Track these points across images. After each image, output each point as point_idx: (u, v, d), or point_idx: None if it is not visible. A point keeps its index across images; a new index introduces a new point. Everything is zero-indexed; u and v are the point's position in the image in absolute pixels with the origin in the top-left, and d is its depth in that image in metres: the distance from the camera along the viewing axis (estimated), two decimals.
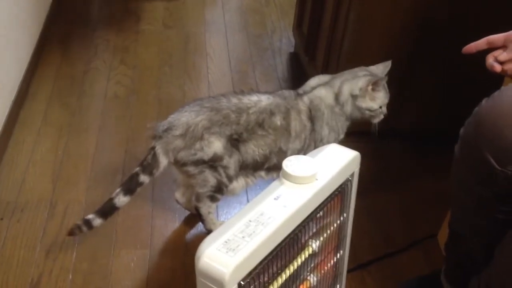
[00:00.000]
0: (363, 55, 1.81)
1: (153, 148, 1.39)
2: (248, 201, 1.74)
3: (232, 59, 2.41)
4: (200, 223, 1.59)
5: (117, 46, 2.39)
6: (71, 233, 1.42)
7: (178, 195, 1.62)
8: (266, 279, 0.91)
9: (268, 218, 0.90)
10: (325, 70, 1.95)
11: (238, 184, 1.49)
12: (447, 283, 1.33)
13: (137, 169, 1.40)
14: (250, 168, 1.47)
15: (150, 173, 1.39)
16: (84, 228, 1.41)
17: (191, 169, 1.40)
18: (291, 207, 0.93)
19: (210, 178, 1.43)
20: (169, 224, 1.62)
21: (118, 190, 1.40)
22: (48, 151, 1.83)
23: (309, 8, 2.21)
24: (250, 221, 0.90)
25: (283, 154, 1.45)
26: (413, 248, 1.58)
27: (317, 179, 0.97)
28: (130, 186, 1.40)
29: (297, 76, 2.34)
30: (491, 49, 1.07)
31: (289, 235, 0.93)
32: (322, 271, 1.10)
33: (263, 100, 1.43)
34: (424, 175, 1.87)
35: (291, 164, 0.98)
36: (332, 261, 1.13)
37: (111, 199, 1.40)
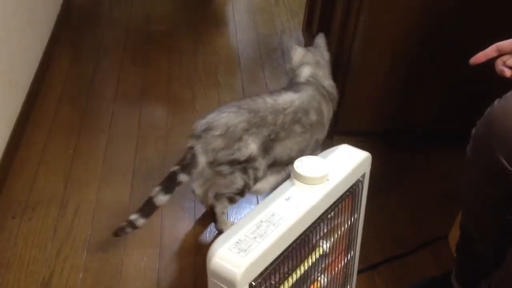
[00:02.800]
0: (373, 55, 1.81)
1: (191, 147, 1.40)
2: (258, 201, 1.74)
3: (241, 59, 2.41)
4: (211, 223, 1.60)
5: (127, 47, 2.39)
6: (116, 234, 1.41)
7: (196, 185, 1.60)
8: (277, 279, 0.91)
9: (279, 218, 0.90)
10: (334, 70, 1.95)
11: (266, 182, 1.51)
12: (457, 285, 1.32)
13: (176, 168, 1.39)
14: (284, 164, 1.50)
15: (189, 173, 1.39)
16: (129, 229, 1.40)
17: (225, 168, 1.42)
18: (302, 207, 0.93)
19: (238, 180, 1.44)
20: (179, 224, 1.63)
21: (157, 189, 1.39)
22: (59, 151, 1.84)
23: (318, 8, 2.21)
24: (261, 221, 0.90)
25: (317, 143, 1.55)
26: (423, 249, 1.57)
27: (328, 180, 0.97)
28: (169, 185, 1.40)
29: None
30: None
31: (300, 235, 0.93)
32: (333, 272, 1.10)
33: (296, 99, 1.49)
34: (434, 175, 1.86)
35: (302, 164, 0.98)
36: (342, 262, 1.13)
37: (150, 198, 1.39)
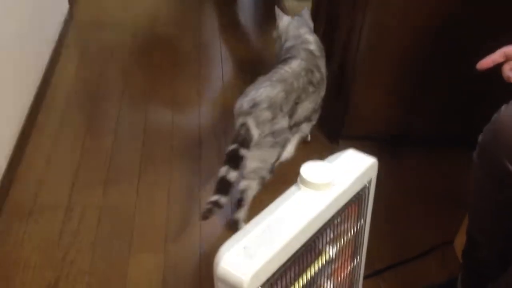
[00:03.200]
0: (378, 60, 1.81)
1: (243, 124, 1.48)
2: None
3: (244, 63, 2.42)
4: (217, 227, 1.60)
5: (133, 50, 2.40)
6: (205, 217, 1.44)
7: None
8: (283, 285, 0.91)
9: (286, 224, 0.90)
10: (341, 74, 1.95)
11: (288, 147, 1.65)
12: None
13: (235, 145, 1.46)
14: (298, 125, 1.67)
15: (247, 147, 1.47)
16: (216, 209, 1.43)
17: (270, 140, 1.52)
18: (308, 213, 0.93)
19: (275, 154, 1.55)
20: (185, 228, 1.63)
21: (225, 168, 1.45)
22: (65, 154, 1.85)
23: (323, 13, 2.22)
24: (268, 227, 0.90)
25: (321, 100, 1.77)
26: (429, 255, 1.57)
27: (334, 186, 0.97)
28: (235, 161, 1.46)
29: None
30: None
31: (306, 241, 0.93)
32: (339, 278, 1.10)
33: (301, 62, 1.65)
34: (440, 181, 1.86)
35: (308, 170, 0.98)
36: (348, 268, 1.13)
37: (223, 178, 1.44)
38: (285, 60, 1.67)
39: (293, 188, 0.99)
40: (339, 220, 1.01)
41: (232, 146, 1.46)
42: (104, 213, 1.65)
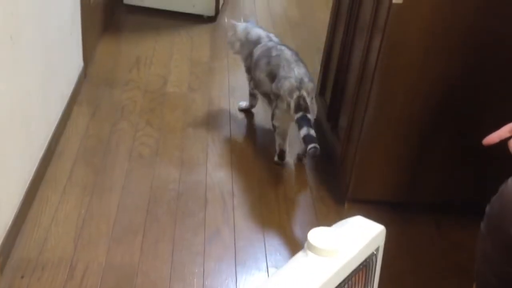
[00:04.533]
0: (385, 124, 1.83)
1: (300, 96, 2.01)
2: (267, 267, 1.73)
3: (255, 121, 2.45)
4: (218, 243, 1.58)
5: (144, 108, 2.45)
6: (314, 155, 1.95)
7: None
8: None
9: None
10: (347, 137, 1.97)
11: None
12: None
13: (301, 113, 2.00)
14: None
15: (309, 112, 2.03)
16: (318, 150, 1.96)
17: (312, 100, 2.08)
18: (316, 280, 0.92)
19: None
20: None
21: (305, 128, 1.97)
22: (71, 209, 1.85)
23: (332, 77, 2.27)
24: None
25: None
26: None
27: (342, 252, 0.97)
28: (309, 123, 2.00)
29: (318, 142, 2.36)
30: None
31: None
32: None
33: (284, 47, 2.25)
34: (445, 247, 1.84)
35: (316, 236, 0.98)
36: None
37: (305, 136, 1.97)
38: (274, 49, 2.19)
39: (300, 254, 0.98)
40: (346, 287, 1.00)
41: (300, 114, 2.00)
42: (107, 271, 1.63)
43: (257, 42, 2.29)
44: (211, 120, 2.46)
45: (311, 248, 0.97)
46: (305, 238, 0.98)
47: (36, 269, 1.61)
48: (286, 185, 2.10)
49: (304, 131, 1.97)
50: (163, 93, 2.58)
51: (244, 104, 2.50)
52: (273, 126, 2.16)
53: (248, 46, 2.33)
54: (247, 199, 2.00)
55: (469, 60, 1.73)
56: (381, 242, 1.06)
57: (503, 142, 1.06)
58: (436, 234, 1.92)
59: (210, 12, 3.28)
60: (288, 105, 2.04)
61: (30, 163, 1.87)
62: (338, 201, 2.01)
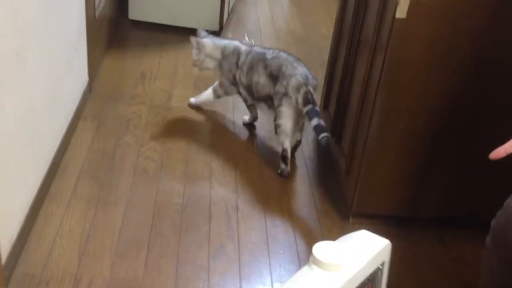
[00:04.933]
0: (389, 138, 1.84)
1: (307, 91, 2.13)
2: (272, 281, 1.72)
3: (259, 135, 2.46)
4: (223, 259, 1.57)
5: (148, 122, 2.46)
6: (327, 143, 2.07)
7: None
8: None
9: None
10: (351, 151, 1.98)
11: None
12: None
13: (311, 106, 2.11)
14: None
15: (316, 104, 2.16)
16: (330, 138, 2.10)
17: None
18: None
19: None
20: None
21: (316, 119, 2.08)
22: (76, 224, 1.85)
23: (336, 91, 2.28)
24: None
25: None
26: None
27: (347, 267, 0.97)
28: (318, 114, 2.11)
29: (322, 156, 2.37)
30: None
31: None
32: None
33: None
34: (450, 262, 1.83)
35: (321, 249, 0.98)
36: None
37: (315, 126, 2.08)
38: (268, 53, 2.29)
39: (305, 268, 0.98)
40: None
41: (309, 106, 2.11)
42: (112, 285, 1.63)
43: (237, 51, 2.35)
44: (215, 134, 2.46)
45: (316, 262, 0.97)
46: (310, 252, 0.98)
47: (40, 283, 1.61)
48: (290, 199, 2.10)
49: (315, 121, 2.08)
50: (168, 108, 2.59)
51: (247, 118, 2.52)
52: (277, 125, 2.21)
53: (229, 58, 2.37)
54: (251, 213, 2.00)
55: (473, 75, 1.73)
56: (386, 257, 1.05)
57: (509, 156, 1.07)
58: (441, 248, 1.91)
59: (214, 27, 3.31)
60: (296, 100, 2.14)
61: (35, 178, 1.88)
62: (343, 215, 2.01)
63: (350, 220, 1.98)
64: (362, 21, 1.98)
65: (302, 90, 2.13)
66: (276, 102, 2.21)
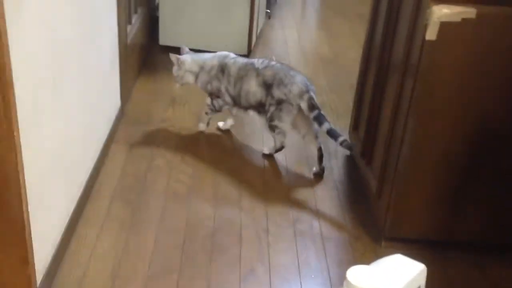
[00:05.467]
0: (422, 161, 1.81)
1: (311, 97, 2.29)
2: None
3: (288, 160, 2.46)
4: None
5: (179, 146, 2.49)
6: (351, 149, 2.38)
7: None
8: None
9: None
10: (382, 174, 1.96)
11: None
12: None
13: (317, 111, 2.27)
14: None
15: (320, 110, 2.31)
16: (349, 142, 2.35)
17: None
18: None
19: None
20: None
21: (326, 123, 2.26)
22: (109, 247, 1.87)
23: (366, 113, 2.27)
24: None
25: None
26: None
27: None
28: (326, 119, 2.28)
29: (353, 178, 2.36)
30: None
31: None
32: None
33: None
34: (490, 287, 1.78)
35: (355, 274, 0.97)
36: None
37: (331, 128, 2.26)
38: (257, 62, 2.43)
39: None
40: None
41: (316, 112, 2.27)
42: None
43: (222, 64, 2.48)
44: (245, 157, 2.47)
45: (351, 287, 0.96)
46: (343, 277, 0.97)
47: None
48: (321, 222, 2.09)
49: (326, 126, 2.27)
50: (198, 131, 2.62)
51: (222, 124, 2.65)
52: (275, 126, 2.37)
53: (209, 72, 2.49)
54: (282, 236, 1.99)
55: (507, 98, 1.71)
56: (422, 281, 1.04)
57: None
58: (477, 273, 1.86)
59: (243, 51, 3.35)
60: (298, 106, 2.30)
61: (70, 201, 1.91)
62: (375, 239, 1.98)
63: (383, 244, 1.95)
64: (391, 43, 1.98)
65: (305, 97, 2.28)
66: (272, 108, 2.35)
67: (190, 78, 2.54)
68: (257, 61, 2.44)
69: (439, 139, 1.77)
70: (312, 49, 3.77)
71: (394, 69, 1.92)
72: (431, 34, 1.61)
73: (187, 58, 2.53)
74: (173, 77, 2.56)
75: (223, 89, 2.48)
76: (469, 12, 1.58)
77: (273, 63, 2.41)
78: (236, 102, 2.48)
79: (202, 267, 1.82)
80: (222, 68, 2.47)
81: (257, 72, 2.39)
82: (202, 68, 2.51)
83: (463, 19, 1.59)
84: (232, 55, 2.53)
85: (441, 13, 1.57)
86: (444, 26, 1.59)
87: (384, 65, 2.04)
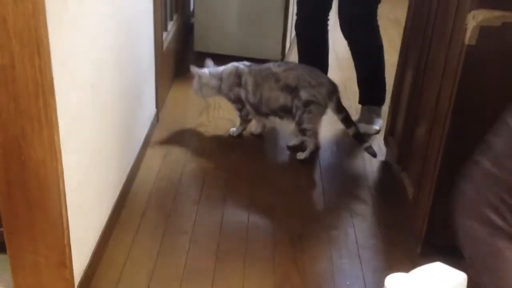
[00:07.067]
0: (460, 167, 1.77)
1: (338, 97, 2.37)
2: None
3: (323, 169, 2.44)
4: None
5: (213, 150, 2.52)
6: (374, 154, 2.36)
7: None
8: None
9: None
10: (419, 181, 1.92)
11: None
12: None
13: (344, 113, 2.37)
14: None
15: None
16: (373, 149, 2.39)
17: None
18: None
19: None
20: None
21: (353, 128, 2.34)
22: (144, 251, 1.89)
23: (402, 118, 2.24)
24: None
25: None
26: None
27: None
28: (352, 122, 2.41)
29: (388, 184, 2.32)
30: None
31: None
32: None
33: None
34: None
35: (394, 283, 0.96)
36: None
37: (356, 134, 2.37)
38: (274, 67, 2.42)
39: None
40: None
41: (344, 113, 2.35)
42: None
43: (238, 72, 2.48)
44: (279, 163, 2.47)
45: None
46: (378, 284, 0.96)
47: None
48: (356, 229, 2.06)
49: (353, 129, 2.36)
50: (231, 137, 2.63)
51: (254, 128, 2.61)
52: (304, 130, 2.38)
53: (229, 79, 2.49)
54: (316, 243, 1.98)
55: None
56: None
57: None
58: None
59: (277, 56, 3.35)
60: (326, 106, 2.35)
61: (106, 205, 1.94)
62: (411, 246, 1.95)
63: (420, 250, 1.91)
64: (429, 48, 1.94)
65: (334, 97, 2.33)
66: (299, 111, 2.34)
67: (209, 92, 2.55)
68: (273, 65, 2.42)
69: (478, 145, 1.73)
70: (345, 53, 3.73)
71: (432, 74, 1.89)
72: (470, 38, 1.58)
73: (205, 71, 2.53)
74: (193, 90, 2.58)
75: (242, 97, 2.47)
76: (510, 16, 1.54)
77: (291, 64, 2.42)
78: (258, 110, 2.46)
79: (235, 273, 1.82)
80: (239, 75, 2.47)
81: (276, 76, 2.37)
82: (221, 79, 2.51)
83: (503, 23, 1.55)
84: (245, 63, 2.51)
85: (481, 17, 1.54)
86: (484, 30, 1.56)
87: (422, 70, 2.00)
